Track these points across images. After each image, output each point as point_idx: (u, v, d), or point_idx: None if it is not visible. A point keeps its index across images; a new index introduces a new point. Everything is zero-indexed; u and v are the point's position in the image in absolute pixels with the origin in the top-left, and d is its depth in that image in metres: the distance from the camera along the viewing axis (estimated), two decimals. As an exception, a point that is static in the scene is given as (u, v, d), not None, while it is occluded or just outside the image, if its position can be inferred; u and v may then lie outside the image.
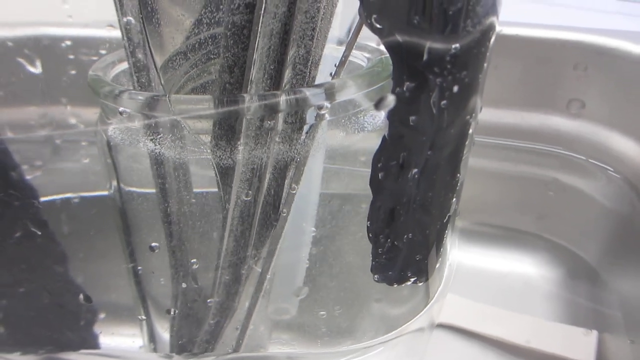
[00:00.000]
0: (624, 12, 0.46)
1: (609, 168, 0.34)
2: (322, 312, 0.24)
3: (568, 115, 0.35)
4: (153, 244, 0.24)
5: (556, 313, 0.32)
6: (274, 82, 0.20)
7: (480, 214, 0.37)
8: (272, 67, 0.19)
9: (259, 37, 0.19)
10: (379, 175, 0.20)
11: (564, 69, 0.34)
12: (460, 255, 0.35)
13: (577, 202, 0.35)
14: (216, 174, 0.21)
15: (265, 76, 0.19)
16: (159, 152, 0.22)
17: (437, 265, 0.24)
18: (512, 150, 0.36)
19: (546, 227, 0.36)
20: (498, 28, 0.20)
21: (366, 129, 0.22)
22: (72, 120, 0.26)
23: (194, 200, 0.24)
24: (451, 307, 0.31)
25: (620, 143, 0.34)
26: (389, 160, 0.20)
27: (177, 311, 0.24)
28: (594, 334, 0.29)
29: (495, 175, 0.37)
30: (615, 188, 0.33)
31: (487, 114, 0.35)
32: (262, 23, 0.18)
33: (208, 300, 0.23)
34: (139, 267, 0.24)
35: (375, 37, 0.18)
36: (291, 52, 0.19)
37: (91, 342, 0.27)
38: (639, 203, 0.31)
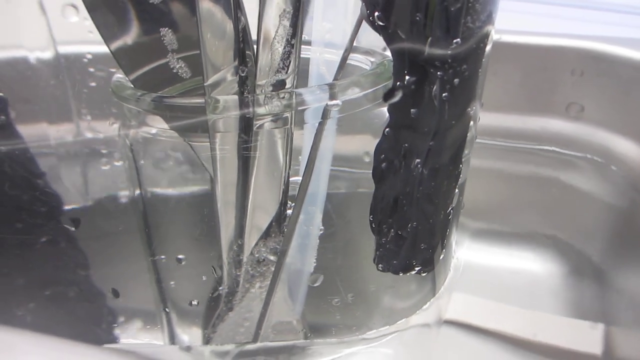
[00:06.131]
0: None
1: (609, 167, 0.35)
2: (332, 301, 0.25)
3: (567, 118, 0.36)
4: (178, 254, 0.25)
5: (563, 308, 0.32)
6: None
7: (486, 215, 0.38)
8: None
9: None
10: (382, 166, 0.21)
11: (561, 74, 0.35)
12: (468, 254, 0.36)
13: (580, 201, 0.36)
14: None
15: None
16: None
17: (442, 257, 0.25)
18: (515, 152, 0.37)
19: (551, 225, 0.37)
20: (497, 36, 0.21)
21: (370, 127, 0.23)
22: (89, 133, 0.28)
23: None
24: (460, 305, 0.31)
25: (619, 143, 0.35)
26: (391, 152, 0.21)
27: (199, 303, 0.25)
28: (600, 327, 0.30)
29: (500, 176, 0.38)
30: (616, 186, 0.34)
31: (489, 118, 0.37)
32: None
33: (220, 288, 0.24)
34: (162, 257, 0.25)
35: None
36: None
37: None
38: (638, 198, 0.32)
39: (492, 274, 0.35)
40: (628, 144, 0.34)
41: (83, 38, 0.25)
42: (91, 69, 0.27)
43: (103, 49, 0.27)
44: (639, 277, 0.31)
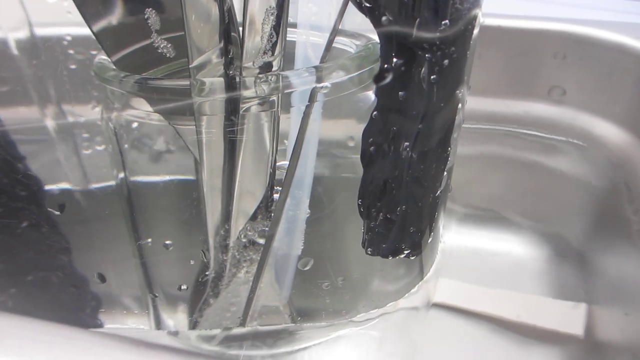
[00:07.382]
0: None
1: (590, 150, 0.35)
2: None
3: (550, 101, 0.36)
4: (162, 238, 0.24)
5: (546, 290, 0.33)
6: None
7: (469, 199, 0.38)
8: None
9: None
10: (370, 149, 0.21)
11: (544, 57, 0.36)
12: (453, 238, 0.36)
13: (562, 184, 0.36)
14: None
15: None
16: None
17: (430, 240, 0.26)
18: (498, 136, 0.37)
19: (534, 208, 0.37)
20: (481, 19, 0.21)
21: (356, 111, 0.23)
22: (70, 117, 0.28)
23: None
24: (446, 290, 0.32)
25: (600, 126, 0.35)
26: (380, 136, 0.21)
27: (188, 287, 0.25)
28: (582, 307, 0.31)
29: (483, 160, 0.38)
30: (597, 169, 0.35)
31: (473, 102, 0.37)
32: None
33: (206, 273, 0.24)
34: (148, 240, 0.25)
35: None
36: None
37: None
38: (619, 181, 0.33)
39: (476, 257, 0.36)
40: (610, 127, 0.35)
41: (62, 19, 0.25)
42: (71, 51, 0.26)
43: (83, 30, 0.26)
44: (619, 258, 0.31)
